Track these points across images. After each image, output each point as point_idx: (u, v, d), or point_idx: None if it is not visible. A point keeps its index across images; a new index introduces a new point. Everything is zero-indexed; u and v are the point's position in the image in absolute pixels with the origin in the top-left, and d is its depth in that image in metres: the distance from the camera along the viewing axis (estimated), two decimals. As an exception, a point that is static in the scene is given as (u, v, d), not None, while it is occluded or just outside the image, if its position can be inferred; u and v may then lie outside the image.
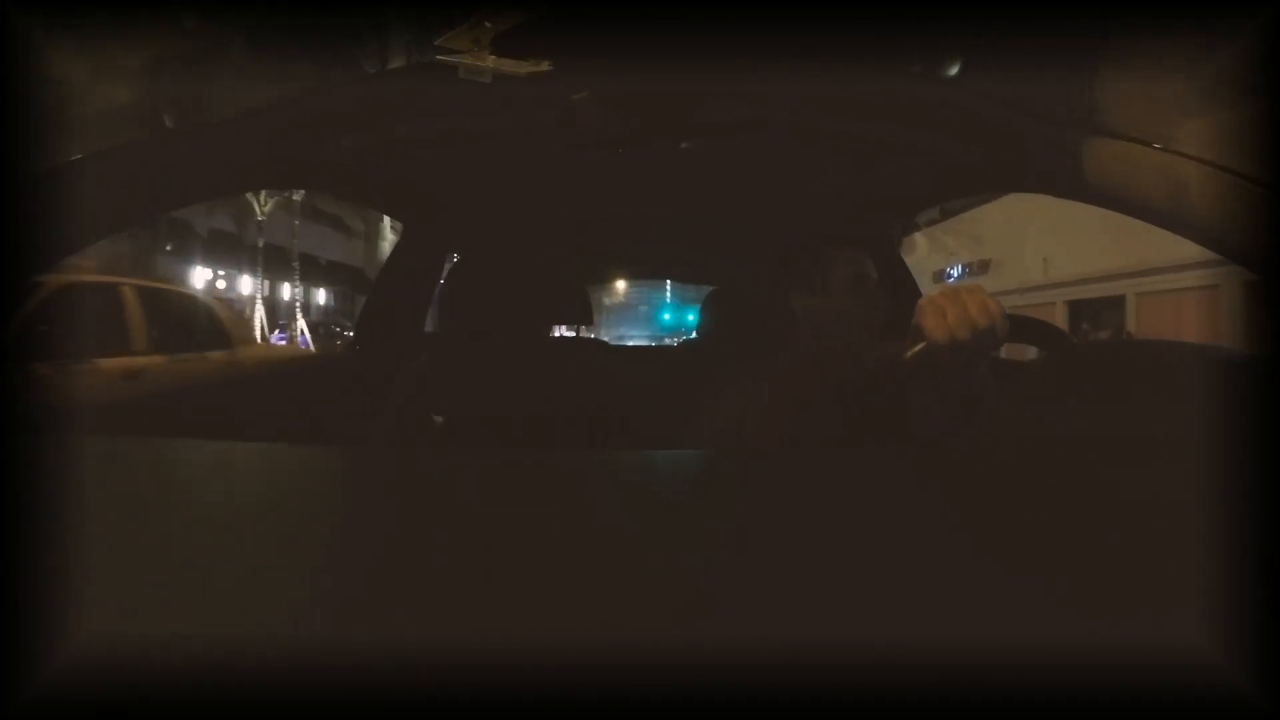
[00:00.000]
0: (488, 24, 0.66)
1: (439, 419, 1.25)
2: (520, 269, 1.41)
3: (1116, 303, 10.74)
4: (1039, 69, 0.65)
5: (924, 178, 1.36)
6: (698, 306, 1.88)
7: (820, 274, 1.05)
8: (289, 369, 1.73)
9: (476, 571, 0.31)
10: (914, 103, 0.89)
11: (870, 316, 1.02)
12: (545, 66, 0.72)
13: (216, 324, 4.35)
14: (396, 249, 1.77)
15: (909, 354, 0.69)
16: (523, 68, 0.71)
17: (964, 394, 0.71)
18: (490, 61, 0.69)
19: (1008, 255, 12.11)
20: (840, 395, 0.86)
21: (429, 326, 1.87)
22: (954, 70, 0.73)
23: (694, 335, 1.95)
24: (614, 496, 0.43)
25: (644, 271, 3.52)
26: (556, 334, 2.30)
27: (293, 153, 0.93)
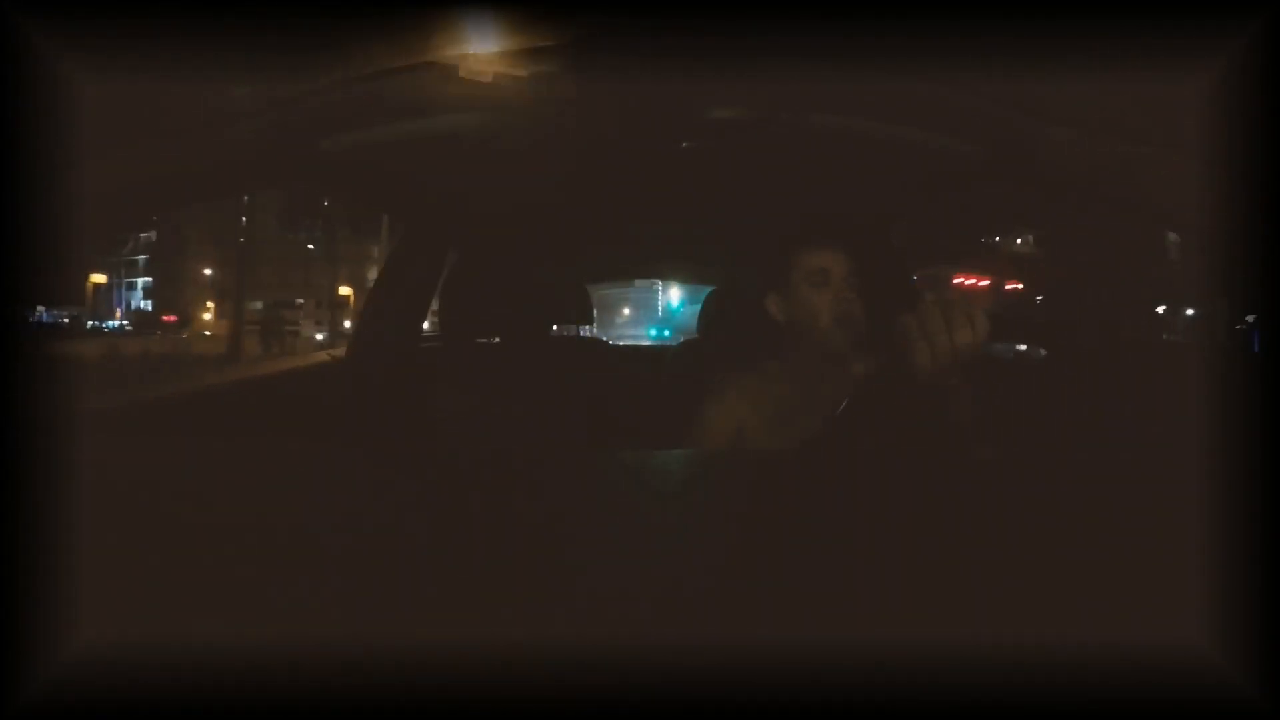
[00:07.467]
0: (488, 24, 0.66)
1: (440, 418, 1.25)
2: (521, 269, 1.41)
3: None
4: (1038, 69, 0.65)
5: (923, 177, 1.35)
6: (699, 306, 1.87)
7: (797, 276, 1.05)
8: (293, 370, 1.73)
9: (476, 571, 0.31)
10: (914, 103, 0.89)
11: (853, 317, 1.01)
12: (545, 66, 0.72)
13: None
14: (396, 249, 1.77)
15: (896, 369, 0.71)
16: (523, 68, 0.70)
17: (951, 399, 0.72)
18: (490, 61, 0.69)
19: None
20: (832, 400, 0.87)
21: (429, 326, 1.87)
22: (954, 70, 0.73)
23: (695, 335, 1.94)
24: (614, 496, 0.43)
25: (646, 271, 3.52)
26: (557, 333, 2.29)
27: (292, 152, 0.94)
